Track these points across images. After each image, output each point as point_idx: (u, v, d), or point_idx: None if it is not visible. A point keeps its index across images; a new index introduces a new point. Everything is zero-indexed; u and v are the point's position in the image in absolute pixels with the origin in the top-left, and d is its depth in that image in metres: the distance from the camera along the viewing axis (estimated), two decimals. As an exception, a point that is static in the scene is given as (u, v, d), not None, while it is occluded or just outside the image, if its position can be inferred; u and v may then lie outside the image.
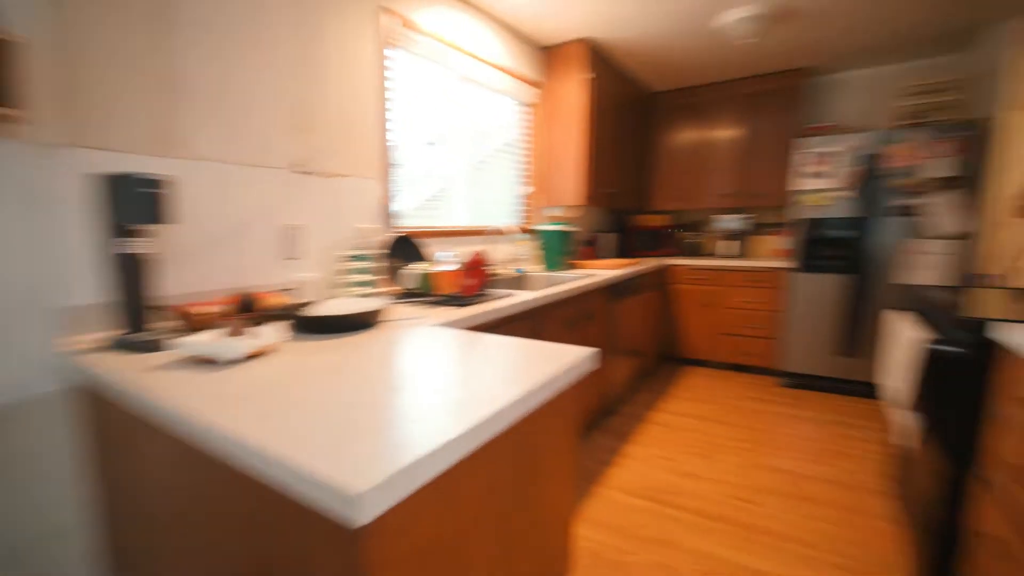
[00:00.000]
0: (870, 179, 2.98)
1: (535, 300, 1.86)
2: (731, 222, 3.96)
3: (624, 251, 4.15)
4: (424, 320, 1.39)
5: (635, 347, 3.15)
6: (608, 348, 2.69)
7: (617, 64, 3.40)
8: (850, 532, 1.77)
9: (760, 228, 3.99)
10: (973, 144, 2.72)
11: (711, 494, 2.02)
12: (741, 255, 3.93)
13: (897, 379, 1.71)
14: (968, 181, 2.74)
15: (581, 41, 2.96)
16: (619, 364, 2.88)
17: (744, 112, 3.70)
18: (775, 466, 2.26)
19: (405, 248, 2.01)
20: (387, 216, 2.06)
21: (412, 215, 2.32)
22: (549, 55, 3.10)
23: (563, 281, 2.50)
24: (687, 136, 3.95)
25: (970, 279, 2.77)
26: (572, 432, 1.06)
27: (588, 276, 2.54)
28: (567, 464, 1.04)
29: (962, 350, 1.34)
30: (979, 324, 1.28)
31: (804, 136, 3.31)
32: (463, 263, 1.72)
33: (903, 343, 1.68)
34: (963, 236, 2.77)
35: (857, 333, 3.08)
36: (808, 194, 3.17)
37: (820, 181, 3.13)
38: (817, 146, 3.11)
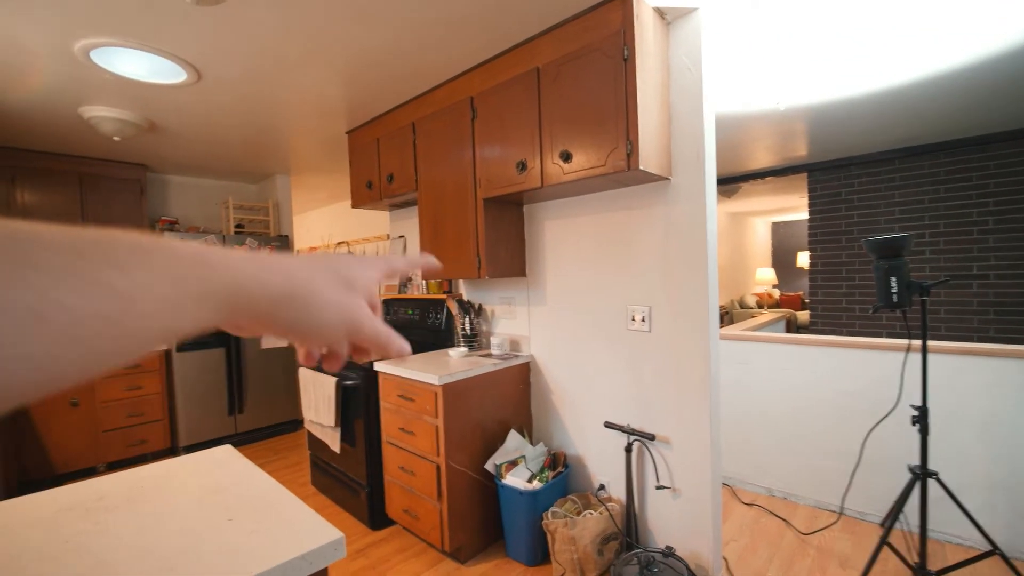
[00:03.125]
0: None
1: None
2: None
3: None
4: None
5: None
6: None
7: None
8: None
9: (110, 312, 3.82)
10: (283, 250, 4.15)
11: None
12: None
13: (320, 410, 2.67)
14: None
15: None
16: None
17: (79, 189, 3.48)
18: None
19: None
20: None
21: None
22: None
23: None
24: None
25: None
26: None
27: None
28: None
29: (358, 380, 2.48)
30: (369, 364, 2.46)
31: (154, 225, 3.66)
32: None
33: (321, 386, 2.66)
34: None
35: (240, 394, 3.79)
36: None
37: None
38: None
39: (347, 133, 3.18)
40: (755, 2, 1.80)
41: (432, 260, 0.46)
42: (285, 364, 4.10)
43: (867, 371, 2.46)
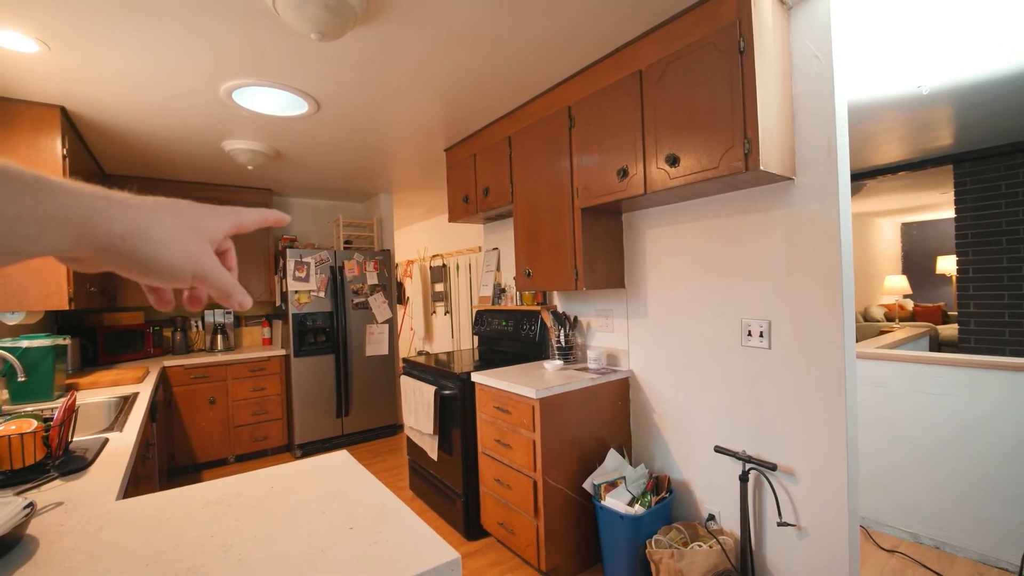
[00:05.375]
0: (336, 283, 4.12)
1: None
2: (217, 316, 4.06)
3: (95, 357, 3.31)
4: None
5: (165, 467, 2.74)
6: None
7: (85, 136, 2.90)
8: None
9: (241, 320, 4.32)
10: (385, 263, 4.41)
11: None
12: (233, 347, 4.10)
13: (419, 417, 2.76)
14: (387, 287, 4.40)
15: (56, 108, 2.43)
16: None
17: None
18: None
19: None
20: None
21: None
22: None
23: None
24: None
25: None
26: None
27: (126, 395, 2.16)
28: None
29: (455, 390, 2.53)
30: (465, 374, 2.50)
31: (279, 245, 4.07)
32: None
33: (421, 394, 2.75)
34: (389, 321, 4.39)
35: (346, 398, 4.08)
36: (295, 294, 3.92)
37: (301, 284, 3.96)
38: (293, 256, 3.94)
39: (445, 151, 3.31)
40: (897, -27, 1.57)
41: (281, 215, 0.44)
42: (386, 371, 4.34)
43: (1054, 402, 2.01)
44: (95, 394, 2.31)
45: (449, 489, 2.66)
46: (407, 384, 2.92)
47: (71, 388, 2.38)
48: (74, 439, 1.46)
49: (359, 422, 4.18)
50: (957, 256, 4.07)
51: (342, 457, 1.25)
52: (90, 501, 1.05)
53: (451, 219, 3.26)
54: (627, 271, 2.36)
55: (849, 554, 1.62)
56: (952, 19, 1.90)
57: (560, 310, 2.76)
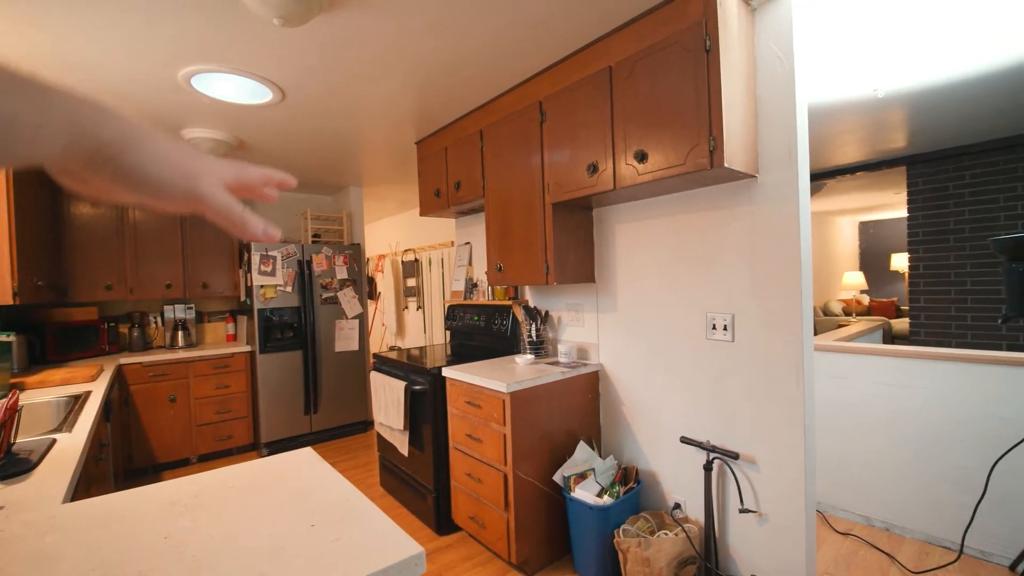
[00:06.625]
0: (304, 277, 4.02)
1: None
2: (177, 311, 3.91)
3: (43, 355, 3.14)
4: None
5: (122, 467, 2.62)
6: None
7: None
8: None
9: (204, 316, 4.17)
10: (356, 257, 4.33)
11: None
12: (195, 344, 3.96)
13: (390, 413, 2.73)
14: (357, 282, 4.32)
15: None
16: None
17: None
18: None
19: None
20: None
21: None
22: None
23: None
24: (105, 219, 3.58)
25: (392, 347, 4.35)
26: None
27: (77, 394, 2.06)
28: None
29: (426, 385, 2.51)
30: (436, 369, 2.48)
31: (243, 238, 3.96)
32: None
33: (391, 390, 2.72)
34: (359, 316, 4.31)
35: (315, 394, 4.00)
36: (260, 288, 3.80)
37: (267, 278, 3.84)
38: (258, 250, 3.81)
39: (416, 143, 3.26)
40: (854, -21, 1.63)
41: (287, 176, 0.44)
42: (357, 367, 4.27)
43: (995, 389, 2.14)
44: (43, 394, 2.20)
45: (420, 485, 2.64)
46: (377, 380, 2.88)
47: (14, 388, 2.25)
48: (17, 441, 1.38)
49: (329, 419, 4.10)
50: (909, 254, 4.28)
51: (306, 454, 1.22)
52: (34, 505, 1.00)
53: (422, 213, 3.22)
54: (597, 266, 2.39)
55: (806, 538, 1.69)
56: (906, 27, 1.99)
57: (532, 305, 2.76)
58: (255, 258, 3.75)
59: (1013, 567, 2.03)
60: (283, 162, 3.64)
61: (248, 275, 3.80)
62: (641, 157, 1.75)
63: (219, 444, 3.70)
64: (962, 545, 2.17)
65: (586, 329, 2.47)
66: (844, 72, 2.43)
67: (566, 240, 2.26)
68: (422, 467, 2.60)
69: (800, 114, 1.64)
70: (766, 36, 1.67)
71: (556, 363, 2.42)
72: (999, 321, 1.95)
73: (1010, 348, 3.75)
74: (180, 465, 3.59)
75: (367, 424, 4.35)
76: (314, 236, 4.47)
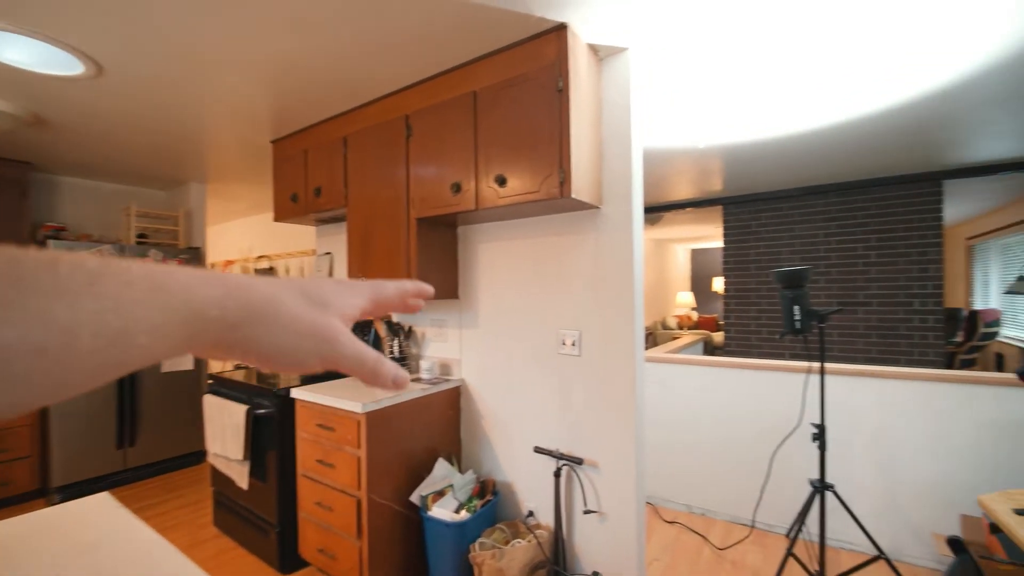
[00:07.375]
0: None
1: None
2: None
3: None
4: None
5: None
6: None
7: None
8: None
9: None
10: (193, 263, 3.80)
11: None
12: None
13: (227, 442, 2.42)
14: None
15: None
16: None
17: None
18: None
19: None
20: None
21: None
22: None
23: None
24: None
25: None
26: None
27: None
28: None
29: (273, 409, 2.29)
30: (284, 391, 2.28)
31: (39, 234, 3.24)
32: None
33: (229, 415, 2.42)
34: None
35: (132, 423, 3.36)
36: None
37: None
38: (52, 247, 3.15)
39: (272, 142, 3.00)
40: (678, 51, 1.94)
41: (424, 285, 0.40)
42: (190, 389, 3.71)
43: (776, 391, 2.66)
44: None
45: (261, 520, 2.38)
46: (212, 404, 2.54)
47: None
48: None
49: (150, 452, 3.49)
50: (724, 278, 5.13)
51: (99, 500, 1.03)
52: None
53: (276, 218, 2.97)
54: (461, 282, 2.43)
55: (636, 530, 1.90)
56: (721, 96, 2.41)
57: (395, 320, 2.70)
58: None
59: (788, 534, 2.52)
60: (99, 147, 3.07)
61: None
62: (501, 181, 1.84)
63: (-15, 494, 2.91)
64: (753, 521, 2.63)
65: (449, 345, 2.49)
66: (676, 124, 2.85)
67: (430, 256, 2.27)
68: (264, 500, 2.35)
69: (635, 156, 1.88)
70: (610, 84, 1.89)
71: (418, 379, 2.39)
72: (779, 336, 2.44)
73: (792, 358, 4.68)
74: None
75: (200, 455, 3.80)
76: (140, 236, 3.83)
